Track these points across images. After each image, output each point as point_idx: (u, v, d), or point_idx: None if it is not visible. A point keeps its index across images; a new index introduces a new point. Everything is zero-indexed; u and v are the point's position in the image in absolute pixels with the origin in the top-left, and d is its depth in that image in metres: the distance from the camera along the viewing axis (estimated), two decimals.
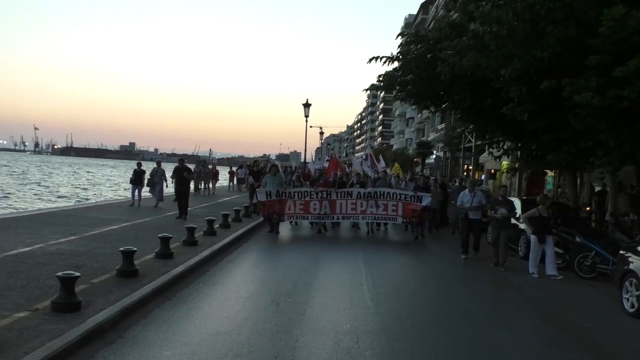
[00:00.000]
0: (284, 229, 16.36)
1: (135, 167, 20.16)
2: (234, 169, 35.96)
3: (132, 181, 19.85)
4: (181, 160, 17.56)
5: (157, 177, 19.58)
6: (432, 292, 9.64)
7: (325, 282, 9.72)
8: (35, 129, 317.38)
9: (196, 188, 26.83)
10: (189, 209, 16.72)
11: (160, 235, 10.17)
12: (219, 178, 31.83)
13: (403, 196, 15.83)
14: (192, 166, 27.51)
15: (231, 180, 35.99)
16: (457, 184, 19.39)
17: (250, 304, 7.87)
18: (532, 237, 11.51)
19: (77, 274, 6.60)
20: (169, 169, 19.65)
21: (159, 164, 20.35)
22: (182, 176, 16.75)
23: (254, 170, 20.81)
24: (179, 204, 16.53)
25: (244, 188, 30.98)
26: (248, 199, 20.62)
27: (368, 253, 13.02)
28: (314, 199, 15.72)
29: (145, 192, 20.18)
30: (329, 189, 16.03)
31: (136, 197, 19.47)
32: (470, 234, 12.97)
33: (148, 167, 20.94)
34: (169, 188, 20.22)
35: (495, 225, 12.19)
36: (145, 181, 19.73)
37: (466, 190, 13.11)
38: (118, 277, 8.09)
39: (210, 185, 28.73)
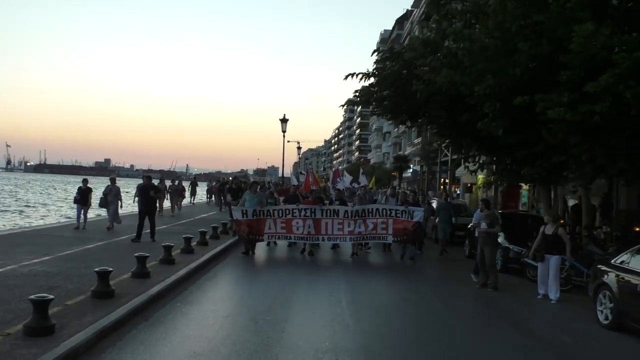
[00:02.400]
0: (261, 250, 15.31)
1: (81, 184, 17.61)
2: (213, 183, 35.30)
3: (76, 200, 17.53)
4: (147, 177, 16.12)
5: (111, 196, 17.10)
6: (413, 309, 9.64)
7: (304, 300, 9.68)
8: (7, 146, 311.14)
9: (159, 208, 23.30)
10: (156, 228, 15.36)
11: (136, 254, 10.03)
12: (185, 195, 28.10)
13: (393, 212, 14.50)
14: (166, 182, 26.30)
15: (210, 197, 35.49)
16: (442, 199, 18.22)
17: (229, 323, 7.79)
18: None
19: (51, 296, 6.46)
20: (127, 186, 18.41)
21: (113, 181, 18.01)
22: (148, 195, 15.24)
23: (232, 188, 18.83)
24: (139, 226, 14.89)
25: (212, 200, 29.92)
26: (229, 217, 18.17)
27: (348, 272, 12.89)
28: (296, 217, 14.39)
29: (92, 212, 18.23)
30: (313, 207, 14.61)
31: (81, 219, 17.24)
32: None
33: (122, 184, 19.72)
34: (124, 208, 18.58)
35: (479, 241, 11.54)
36: (98, 201, 17.46)
37: (479, 210, 12.46)
38: (93, 298, 7.94)
39: (169, 203, 25.35)
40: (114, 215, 17.16)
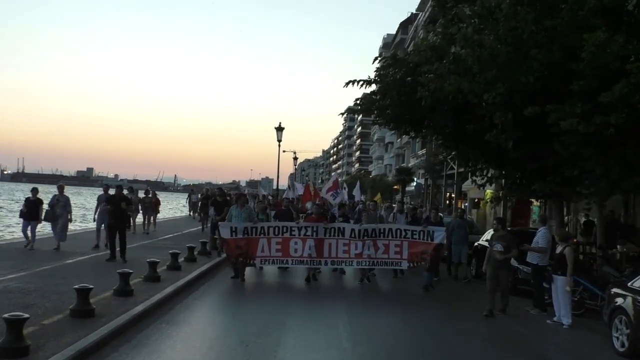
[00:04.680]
0: (253, 270, 14.47)
1: (30, 194, 15.67)
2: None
3: (22, 214, 15.53)
4: (119, 187, 15.02)
5: (59, 208, 15.24)
6: (415, 333, 9.60)
7: (298, 321, 9.67)
8: None
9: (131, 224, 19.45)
10: (141, 243, 14.82)
11: (119, 270, 10.01)
12: (159, 209, 25.28)
13: (409, 233, 13.29)
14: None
15: (195, 211, 34.94)
16: (457, 217, 17.10)
17: (218, 345, 7.76)
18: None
19: (26, 315, 6.44)
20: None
21: (61, 189, 15.89)
22: (119, 207, 14.16)
23: (217, 201, 17.02)
24: (111, 244, 13.93)
25: (197, 215, 28.25)
26: (210, 233, 17.53)
27: (347, 294, 12.82)
28: (295, 236, 13.10)
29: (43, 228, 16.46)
30: (316, 224, 13.29)
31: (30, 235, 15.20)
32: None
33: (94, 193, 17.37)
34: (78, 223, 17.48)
35: (491, 263, 11.21)
36: (42, 214, 15.41)
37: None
38: (72, 317, 7.92)
39: (138, 219, 22.09)
40: (62, 232, 15.36)
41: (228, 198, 18.45)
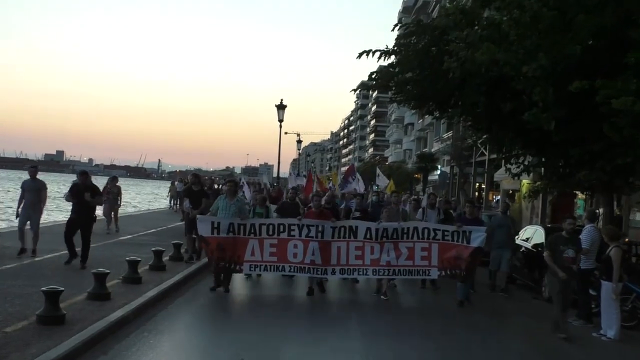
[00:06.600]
0: (239, 279, 13.41)
1: None
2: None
3: None
4: (83, 173, 13.80)
5: None
6: (441, 340, 9.61)
7: (302, 330, 9.70)
8: None
9: None
10: (118, 239, 14.18)
11: (94, 270, 10.03)
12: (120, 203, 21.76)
13: (440, 233, 12.31)
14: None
15: (176, 202, 34.50)
16: (500, 212, 16.05)
17: (207, 358, 7.79)
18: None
19: None
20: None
21: None
22: (81, 199, 12.96)
23: (192, 190, 15.18)
24: (69, 242, 12.93)
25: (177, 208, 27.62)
26: (184, 235, 15.83)
27: (359, 303, 12.81)
28: (295, 237, 12.10)
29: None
30: (321, 222, 12.16)
31: None
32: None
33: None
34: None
35: (560, 273, 10.37)
36: None
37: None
38: (39, 324, 7.95)
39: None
40: None
41: (216, 187, 16.26)
